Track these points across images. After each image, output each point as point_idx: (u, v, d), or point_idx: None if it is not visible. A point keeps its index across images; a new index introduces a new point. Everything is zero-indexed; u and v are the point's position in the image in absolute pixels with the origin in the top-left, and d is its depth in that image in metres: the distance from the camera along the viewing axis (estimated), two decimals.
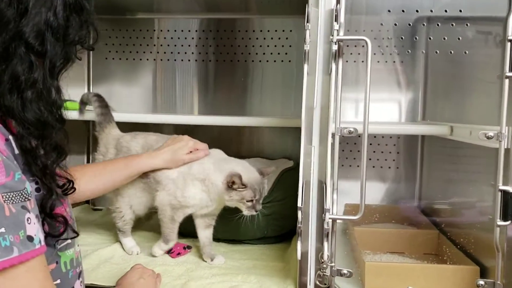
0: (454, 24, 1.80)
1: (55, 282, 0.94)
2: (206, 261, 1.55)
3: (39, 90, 0.87)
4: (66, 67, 0.93)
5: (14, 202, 0.79)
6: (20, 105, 0.85)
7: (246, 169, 1.50)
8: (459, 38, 1.79)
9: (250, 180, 1.47)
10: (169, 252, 1.59)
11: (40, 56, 0.87)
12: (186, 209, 1.55)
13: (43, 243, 0.84)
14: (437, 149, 1.82)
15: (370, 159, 1.97)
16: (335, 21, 1.15)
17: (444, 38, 1.84)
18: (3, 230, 0.76)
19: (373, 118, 1.94)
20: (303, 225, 1.22)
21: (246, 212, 1.48)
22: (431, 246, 1.64)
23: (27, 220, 0.81)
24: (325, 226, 1.21)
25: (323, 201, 1.22)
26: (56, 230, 0.92)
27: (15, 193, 0.80)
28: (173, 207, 1.55)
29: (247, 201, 1.46)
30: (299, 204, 1.20)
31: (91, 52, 2.16)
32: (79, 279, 1.04)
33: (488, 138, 1.15)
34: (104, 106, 1.80)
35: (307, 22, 1.17)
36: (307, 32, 1.17)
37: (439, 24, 1.85)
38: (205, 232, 1.60)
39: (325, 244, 1.22)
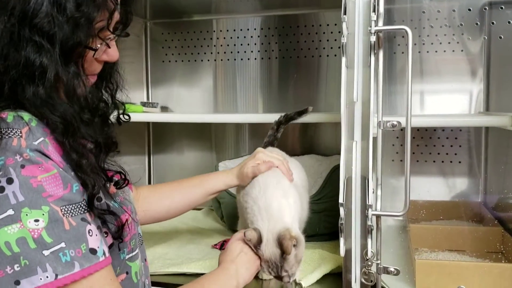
0: None
1: None
2: None
3: (50, 78, 0.78)
4: (83, 53, 0.83)
5: (73, 215, 0.77)
6: (32, 97, 0.78)
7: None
8: None
9: None
10: (220, 247, 1.61)
11: (48, 38, 0.77)
12: None
13: (107, 254, 0.81)
14: (503, 141, 1.71)
15: (430, 153, 1.89)
16: (373, 11, 1.12)
17: (509, 22, 1.73)
18: (63, 245, 0.74)
19: (434, 110, 1.89)
20: (346, 222, 1.20)
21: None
22: (494, 244, 1.55)
23: (89, 232, 0.78)
24: (368, 222, 1.18)
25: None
26: (117, 234, 0.88)
27: (74, 205, 0.78)
28: None
29: None
30: (340, 201, 1.18)
31: (148, 55, 2.23)
32: None
33: None
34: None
35: (344, 14, 1.15)
36: (344, 24, 1.14)
37: (503, 7, 1.75)
38: None
39: (369, 241, 1.19)
